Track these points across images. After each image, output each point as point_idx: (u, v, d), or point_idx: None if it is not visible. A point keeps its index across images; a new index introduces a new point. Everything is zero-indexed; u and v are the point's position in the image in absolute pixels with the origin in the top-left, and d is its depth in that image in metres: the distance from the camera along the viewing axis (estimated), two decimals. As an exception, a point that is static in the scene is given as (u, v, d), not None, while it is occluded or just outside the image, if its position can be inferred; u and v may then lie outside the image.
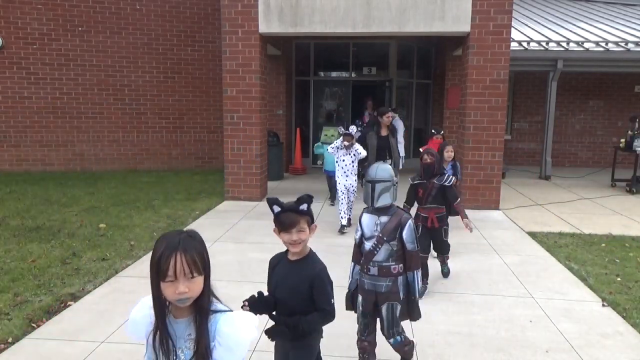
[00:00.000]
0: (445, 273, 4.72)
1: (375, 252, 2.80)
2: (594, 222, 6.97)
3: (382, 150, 6.43)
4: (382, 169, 2.89)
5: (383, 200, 2.83)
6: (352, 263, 2.96)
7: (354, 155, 6.31)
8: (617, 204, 8.13)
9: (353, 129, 6.27)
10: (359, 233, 2.91)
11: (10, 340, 3.46)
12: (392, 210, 2.87)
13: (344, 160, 6.36)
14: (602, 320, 3.88)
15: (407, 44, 11.88)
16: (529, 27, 11.15)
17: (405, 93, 12.55)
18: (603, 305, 4.16)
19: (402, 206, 3.51)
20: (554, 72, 9.84)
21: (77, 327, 3.66)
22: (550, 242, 5.96)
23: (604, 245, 5.85)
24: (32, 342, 3.44)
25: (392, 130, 7.88)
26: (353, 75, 12.25)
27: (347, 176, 6.37)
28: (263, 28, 7.75)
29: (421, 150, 4.67)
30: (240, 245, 5.64)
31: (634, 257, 5.39)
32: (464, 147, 7.71)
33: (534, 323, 3.81)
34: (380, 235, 2.80)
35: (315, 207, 6.03)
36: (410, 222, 2.82)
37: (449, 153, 5.31)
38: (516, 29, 10.47)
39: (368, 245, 2.83)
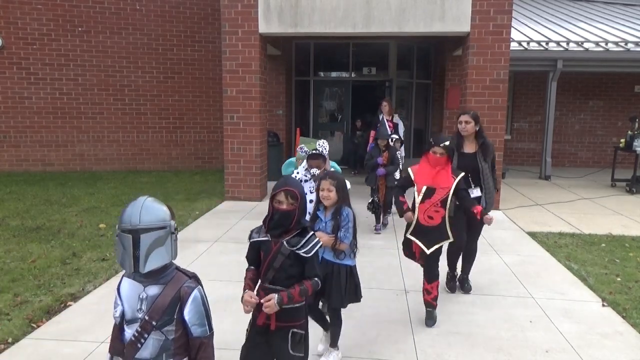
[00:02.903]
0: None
1: (139, 345, 1.86)
2: (594, 222, 6.96)
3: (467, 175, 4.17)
4: (150, 208, 1.87)
5: (154, 261, 1.83)
6: (109, 355, 2.01)
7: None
8: (617, 204, 8.13)
9: (324, 147, 4.24)
10: (118, 310, 1.94)
11: (10, 340, 3.46)
12: (168, 275, 1.90)
13: (311, 201, 3.47)
14: (602, 320, 3.88)
15: (407, 44, 11.87)
16: (529, 27, 11.15)
17: (405, 93, 12.54)
18: (603, 305, 4.16)
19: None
20: (554, 72, 9.84)
21: (77, 327, 3.66)
22: (550, 242, 5.96)
23: (604, 245, 5.85)
24: (32, 343, 3.44)
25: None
26: (353, 75, 12.24)
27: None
28: (263, 28, 7.75)
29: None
30: (240, 245, 5.63)
31: (634, 257, 5.39)
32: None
33: (534, 323, 3.82)
34: (147, 318, 1.85)
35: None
36: (196, 292, 1.89)
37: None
38: (516, 29, 10.47)
39: (129, 332, 1.89)
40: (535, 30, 10.83)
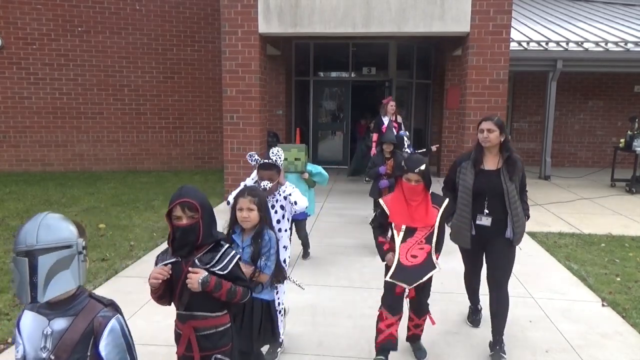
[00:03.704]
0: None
1: None
2: (594, 222, 6.97)
3: (484, 198, 3.31)
4: (51, 225, 1.57)
5: (56, 287, 1.54)
6: None
7: (284, 207, 3.28)
8: (616, 204, 8.13)
9: (278, 155, 3.28)
10: (20, 350, 1.62)
11: (10, 340, 3.46)
12: (79, 304, 1.62)
13: (278, 222, 3.25)
14: (602, 320, 3.88)
15: (406, 44, 11.87)
16: (529, 27, 11.15)
17: (405, 93, 12.54)
18: (603, 305, 4.17)
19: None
20: (554, 72, 9.84)
21: (77, 327, 3.65)
22: (550, 242, 5.96)
23: (603, 245, 5.85)
24: (32, 343, 3.43)
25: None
26: (353, 75, 12.24)
27: (285, 248, 3.30)
28: (263, 28, 7.75)
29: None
30: (240, 246, 5.63)
31: (633, 257, 5.39)
32: (464, 147, 7.70)
33: (533, 323, 3.82)
34: (53, 358, 1.56)
35: (316, 207, 5.99)
36: (114, 322, 1.62)
37: None
38: (516, 29, 10.47)
39: None
40: (535, 30, 10.83)
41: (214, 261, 2.06)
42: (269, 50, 9.04)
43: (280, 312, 3.15)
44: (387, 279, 3.00)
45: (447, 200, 3.06)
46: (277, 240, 2.65)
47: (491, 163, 3.29)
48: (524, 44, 9.77)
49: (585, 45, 9.88)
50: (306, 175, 4.74)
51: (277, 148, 3.39)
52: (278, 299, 3.08)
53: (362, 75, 12.35)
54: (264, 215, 2.60)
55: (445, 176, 3.56)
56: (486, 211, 3.25)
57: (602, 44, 9.84)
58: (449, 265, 5.12)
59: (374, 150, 7.65)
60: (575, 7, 13.72)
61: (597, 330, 3.72)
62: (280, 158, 3.28)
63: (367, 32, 7.67)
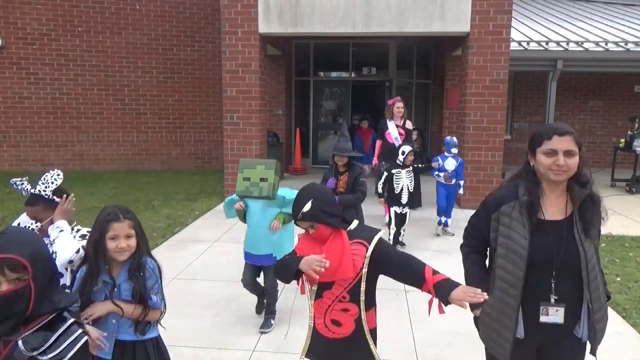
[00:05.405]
0: None
1: None
2: (594, 222, 6.95)
3: (549, 273, 1.92)
4: None
5: None
6: None
7: None
8: (617, 204, 8.13)
9: (47, 183, 2.43)
10: None
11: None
12: None
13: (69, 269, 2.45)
14: (602, 320, 3.88)
15: (406, 44, 11.87)
16: (529, 27, 11.15)
17: (405, 93, 12.53)
18: (603, 305, 4.15)
19: None
20: (554, 72, 9.83)
21: (77, 327, 3.65)
22: (550, 242, 5.95)
23: (603, 245, 5.85)
24: (32, 342, 3.43)
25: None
26: (353, 75, 12.24)
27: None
28: (263, 28, 7.76)
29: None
30: (240, 245, 5.59)
31: (633, 257, 5.39)
32: (464, 147, 7.70)
33: (534, 323, 3.81)
34: None
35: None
36: None
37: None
38: (516, 29, 10.47)
39: None
40: (535, 30, 10.83)
41: (47, 345, 1.39)
42: (269, 50, 9.05)
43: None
44: (301, 357, 2.15)
45: (379, 233, 2.04)
46: (159, 268, 2.18)
47: (555, 207, 1.90)
48: (524, 44, 9.77)
49: (586, 45, 9.88)
50: (277, 224, 3.42)
51: (51, 173, 2.42)
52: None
53: (362, 75, 12.36)
54: (142, 241, 2.11)
55: (469, 225, 2.14)
56: (554, 297, 1.86)
57: (602, 44, 9.84)
58: (449, 266, 5.12)
59: (375, 161, 6.98)
60: (575, 7, 13.72)
61: (597, 330, 3.71)
62: (49, 186, 2.37)
63: (367, 32, 7.68)
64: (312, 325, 2.08)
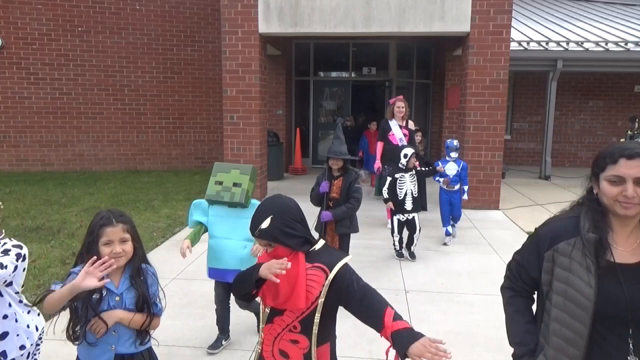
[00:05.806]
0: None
1: None
2: (594, 222, 6.95)
3: (623, 325, 1.49)
4: None
5: None
6: None
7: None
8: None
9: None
10: None
11: None
12: None
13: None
14: (602, 320, 3.87)
15: (406, 44, 11.88)
16: (529, 27, 11.15)
17: (405, 93, 12.53)
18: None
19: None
20: (554, 72, 9.84)
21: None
22: (550, 242, 5.94)
23: None
24: (32, 342, 3.43)
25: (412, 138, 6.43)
26: (353, 75, 12.25)
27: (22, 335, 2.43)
28: (263, 28, 7.76)
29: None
30: (240, 245, 5.63)
31: (633, 257, 5.38)
32: (464, 147, 7.70)
33: (533, 323, 3.81)
34: None
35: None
36: None
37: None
38: (516, 29, 10.47)
39: None
40: (535, 30, 10.83)
41: None
42: (269, 50, 9.05)
43: None
44: None
45: (345, 259, 1.77)
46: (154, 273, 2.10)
47: (627, 248, 1.51)
48: (524, 44, 9.78)
49: (586, 45, 9.88)
50: (259, 249, 2.75)
51: None
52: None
53: (362, 75, 12.36)
54: (138, 244, 2.04)
55: (513, 263, 1.75)
56: (631, 347, 1.47)
57: (602, 44, 9.84)
58: (449, 265, 5.13)
59: (378, 164, 6.45)
60: (575, 7, 13.73)
61: (597, 330, 3.71)
62: None
63: (367, 32, 7.68)
64: (259, 351, 1.87)
